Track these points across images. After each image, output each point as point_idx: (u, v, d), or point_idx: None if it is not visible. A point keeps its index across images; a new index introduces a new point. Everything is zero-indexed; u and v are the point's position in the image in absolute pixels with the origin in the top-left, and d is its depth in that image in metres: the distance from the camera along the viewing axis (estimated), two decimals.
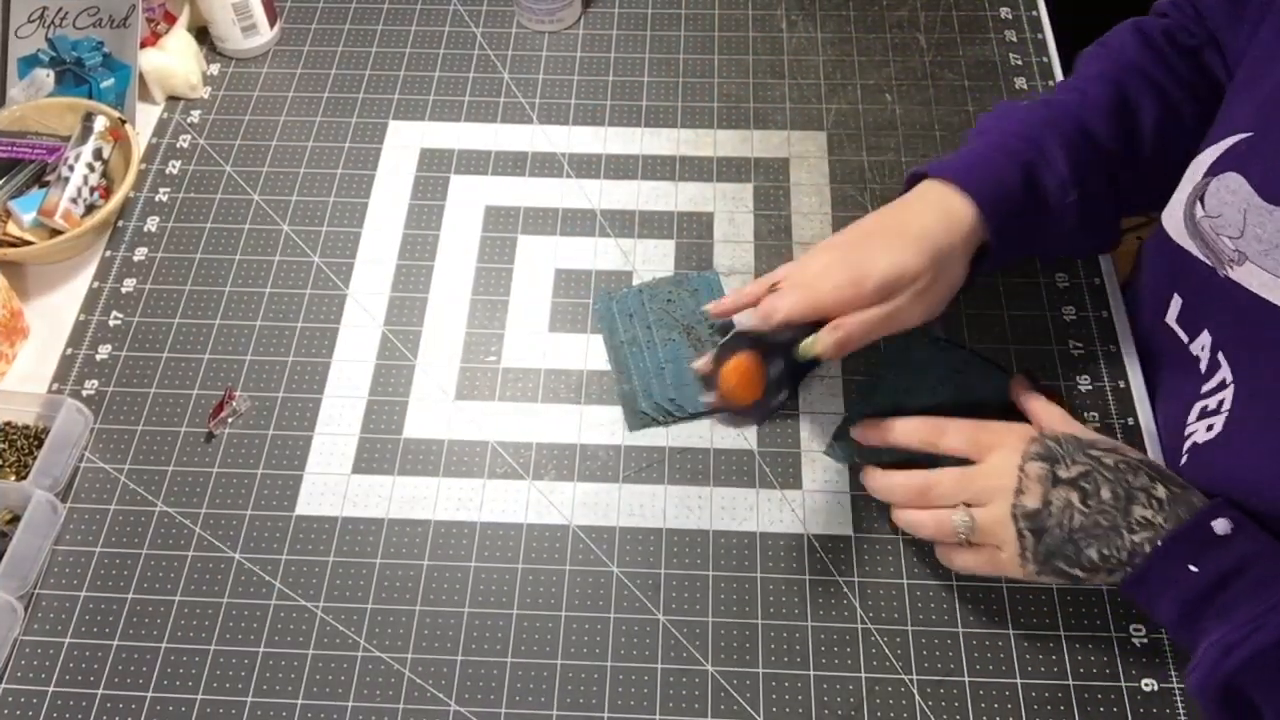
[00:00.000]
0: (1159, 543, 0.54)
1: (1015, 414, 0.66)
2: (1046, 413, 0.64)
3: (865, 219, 0.67)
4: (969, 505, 0.60)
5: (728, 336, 0.68)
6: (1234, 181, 0.56)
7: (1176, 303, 0.66)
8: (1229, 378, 0.60)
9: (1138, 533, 0.55)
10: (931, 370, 0.68)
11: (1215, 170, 0.58)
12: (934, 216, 0.64)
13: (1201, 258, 0.61)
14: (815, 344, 0.63)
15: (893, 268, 0.62)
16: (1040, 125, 0.67)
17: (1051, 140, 0.66)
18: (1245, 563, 0.53)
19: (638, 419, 0.72)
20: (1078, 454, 0.57)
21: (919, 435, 0.63)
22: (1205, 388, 0.63)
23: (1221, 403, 0.61)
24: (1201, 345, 0.63)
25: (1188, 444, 0.63)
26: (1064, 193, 0.66)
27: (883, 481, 0.65)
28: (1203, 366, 0.63)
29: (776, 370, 0.69)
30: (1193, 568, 0.53)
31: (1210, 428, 0.61)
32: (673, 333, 0.75)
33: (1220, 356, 0.61)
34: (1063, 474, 0.57)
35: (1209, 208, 0.58)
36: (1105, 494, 0.56)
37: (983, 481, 0.60)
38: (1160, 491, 0.55)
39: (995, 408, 0.66)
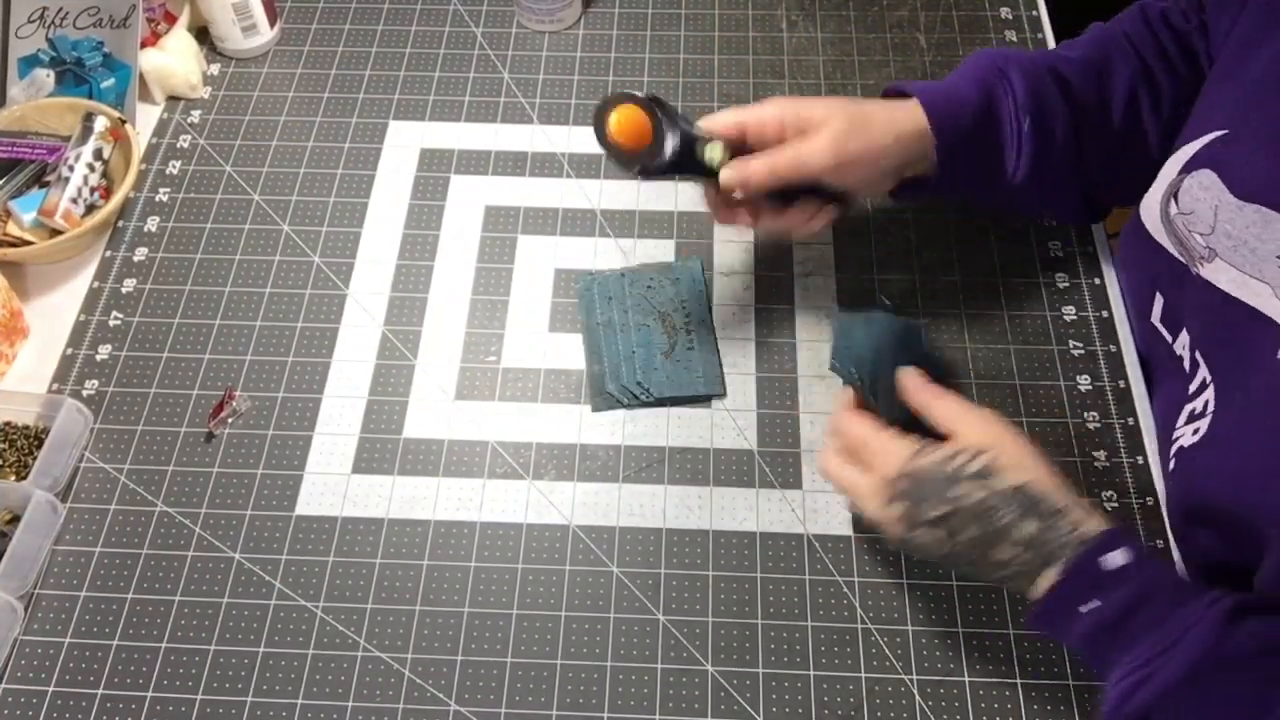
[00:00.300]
0: (1057, 578, 0.53)
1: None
2: (939, 406, 0.60)
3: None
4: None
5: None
6: (1207, 178, 0.56)
7: (1159, 302, 0.66)
8: (1208, 378, 0.60)
9: (1000, 570, 0.54)
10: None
11: (1190, 167, 0.58)
12: (880, 104, 0.66)
13: (1176, 255, 0.61)
14: (718, 156, 0.64)
15: (810, 107, 0.64)
16: (1011, 59, 0.68)
17: (1015, 70, 0.67)
18: (1142, 597, 0.51)
19: (603, 400, 0.73)
20: (943, 493, 0.55)
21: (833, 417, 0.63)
22: (1191, 388, 0.63)
23: (1206, 404, 0.61)
24: (1182, 345, 0.63)
25: (1174, 448, 0.62)
26: (1018, 119, 0.66)
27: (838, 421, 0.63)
28: (1186, 366, 0.63)
29: (670, 143, 0.65)
30: (1093, 604, 0.52)
31: (1196, 431, 0.61)
32: (648, 319, 0.75)
33: (1198, 356, 0.61)
34: (926, 514, 0.55)
35: (1182, 204, 0.58)
36: (972, 533, 0.54)
37: (860, 489, 0.59)
38: (1027, 529, 0.53)
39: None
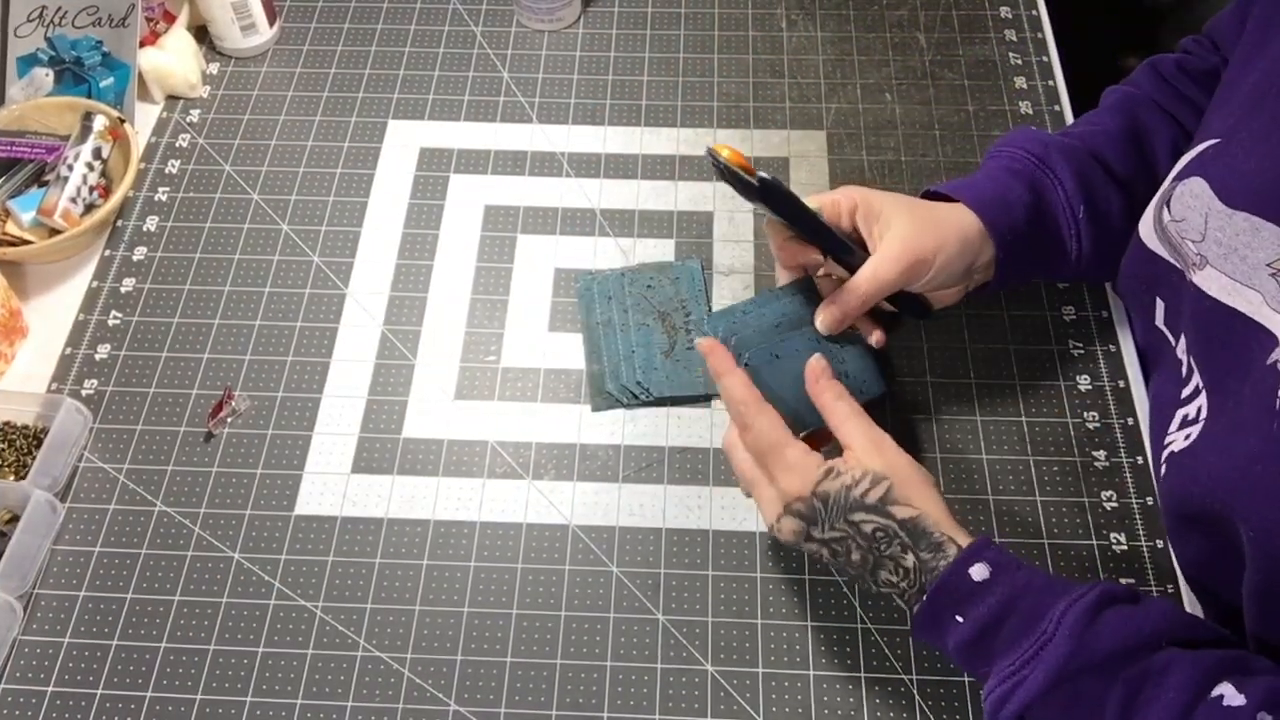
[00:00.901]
0: (924, 595, 0.54)
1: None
2: (846, 425, 0.59)
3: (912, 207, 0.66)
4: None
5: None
6: (1197, 186, 0.56)
7: (1160, 306, 0.66)
8: (1201, 384, 0.60)
9: (881, 587, 0.56)
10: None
11: (1182, 175, 0.58)
12: (938, 206, 0.66)
13: (1173, 261, 0.61)
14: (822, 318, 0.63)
15: (878, 200, 0.64)
16: (1049, 146, 0.68)
17: (1058, 159, 0.67)
18: (1005, 607, 0.52)
19: (603, 399, 0.73)
20: (838, 519, 0.56)
21: (733, 417, 0.61)
22: (1184, 393, 0.63)
23: (1200, 411, 0.61)
24: (1182, 349, 0.63)
25: (1165, 453, 0.62)
26: (1072, 209, 0.66)
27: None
28: (1184, 371, 0.63)
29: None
30: (959, 618, 0.53)
31: (1187, 437, 0.61)
32: (648, 318, 0.75)
33: (1192, 361, 0.62)
34: (816, 534, 0.56)
35: (1174, 212, 0.58)
36: (854, 557, 0.56)
37: (761, 494, 0.59)
38: (909, 561, 0.54)
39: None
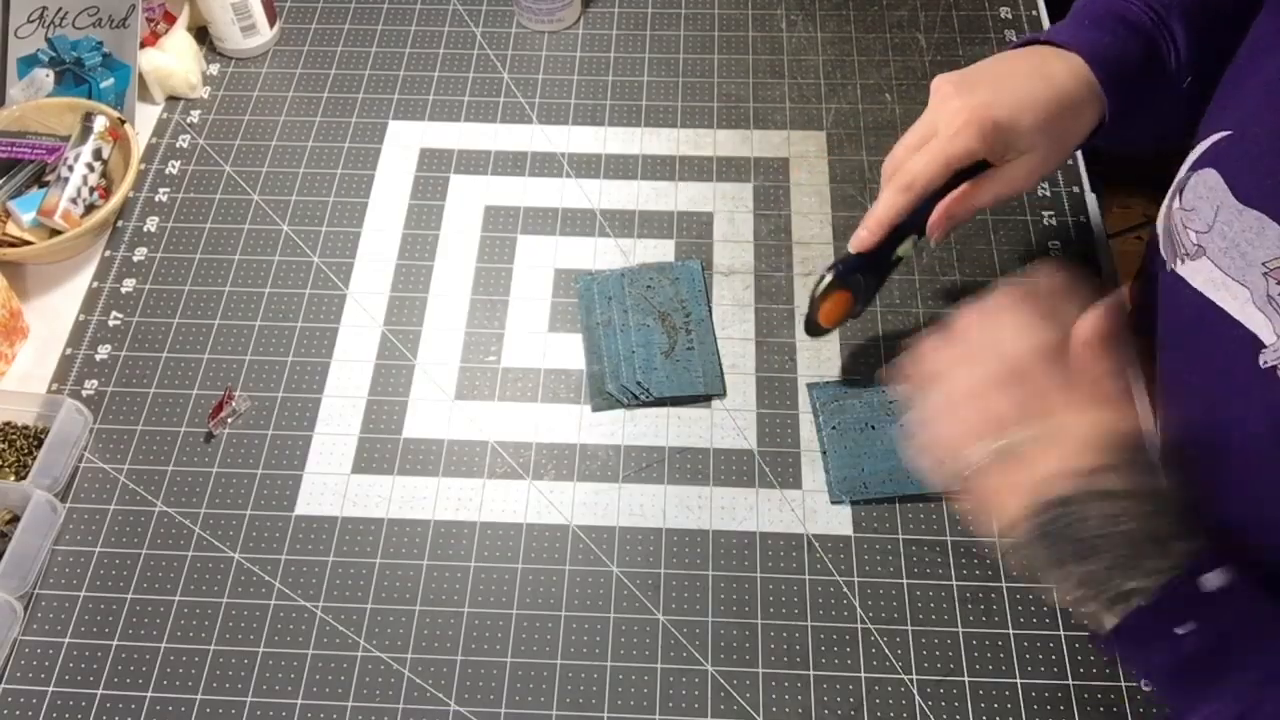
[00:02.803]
0: (1143, 601, 0.48)
1: None
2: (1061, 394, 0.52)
3: (984, 70, 0.62)
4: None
5: (829, 280, 0.65)
6: (1212, 178, 0.56)
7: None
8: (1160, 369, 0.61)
9: (1148, 584, 0.48)
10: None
11: (1197, 165, 0.58)
12: (1065, 87, 0.60)
13: (1161, 250, 0.61)
14: (914, 242, 0.63)
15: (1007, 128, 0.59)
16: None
17: (1175, 12, 0.62)
18: (1238, 622, 0.48)
19: (603, 400, 0.73)
20: (1075, 529, 0.49)
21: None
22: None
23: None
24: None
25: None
26: (1180, 77, 0.62)
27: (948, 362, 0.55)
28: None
29: (867, 290, 0.67)
30: (1183, 628, 0.47)
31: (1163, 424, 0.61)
32: (648, 318, 0.75)
33: (1160, 352, 0.62)
34: (1051, 546, 0.49)
35: (1185, 201, 0.58)
36: (1098, 564, 0.49)
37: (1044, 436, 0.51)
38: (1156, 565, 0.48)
39: None
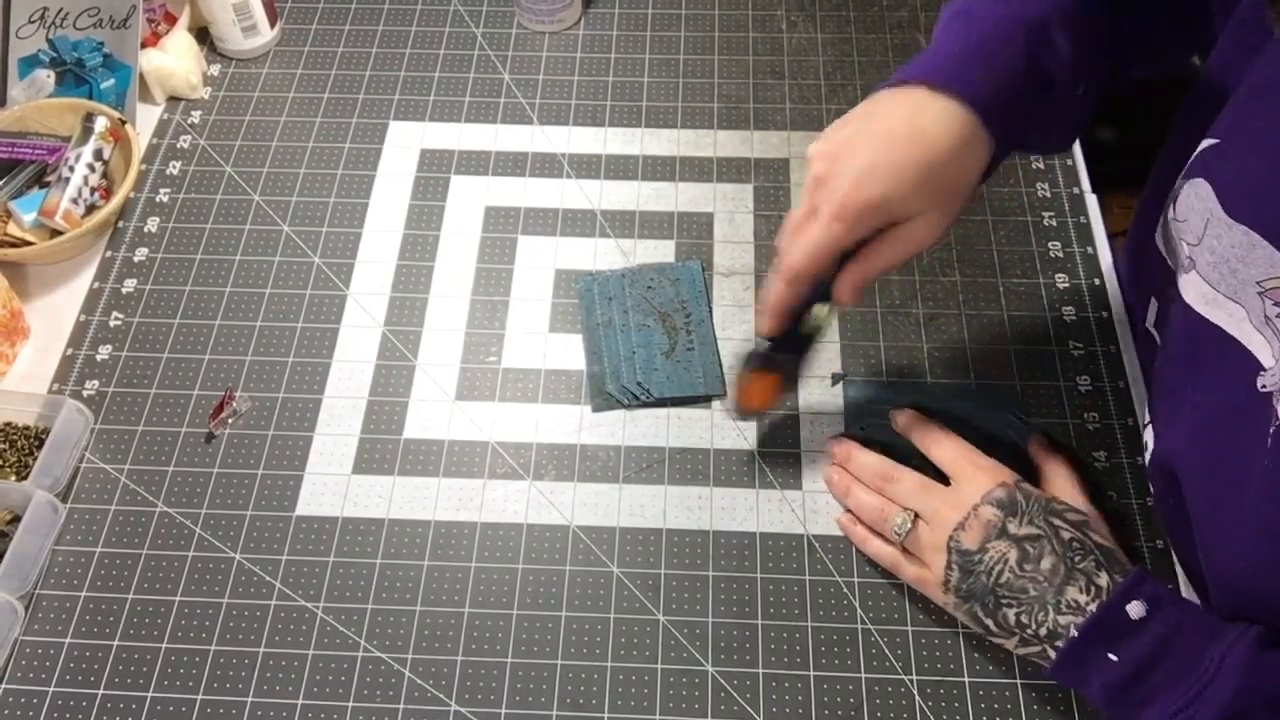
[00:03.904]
0: (1074, 631, 0.53)
1: (1026, 460, 0.66)
2: (1056, 472, 0.63)
3: (854, 135, 0.56)
4: (917, 516, 0.61)
5: (745, 370, 0.68)
6: (1202, 189, 0.55)
7: (1153, 306, 0.66)
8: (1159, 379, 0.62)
9: (1064, 615, 0.54)
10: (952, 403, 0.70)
11: (1189, 174, 0.57)
12: (939, 144, 0.55)
13: (1167, 259, 0.60)
14: (824, 318, 0.63)
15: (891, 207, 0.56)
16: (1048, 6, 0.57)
17: (1051, 15, 0.56)
18: (1161, 646, 0.51)
19: (603, 400, 0.73)
20: (1038, 516, 0.57)
21: (918, 432, 0.65)
22: (1153, 390, 0.63)
23: (1154, 406, 0.62)
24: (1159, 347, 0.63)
25: (1147, 455, 0.63)
26: (1074, 83, 0.57)
27: (856, 454, 0.66)
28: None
29: (789, 368, 0.69)
30: (1111, 656, 0.52)
31: (1149, 442, 0.62)
32: (648, 319, 0.75)
33: (1161, 358, 0.62)
34: (1012, 529, 0.57)
35: (1179, 211, 0.57)
36: (1045, 564, 0.55)
37: (938, 501, 0.60)
38: (1102, 580, 0.54)
39: (1007, 447, 0.67)
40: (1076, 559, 0.55)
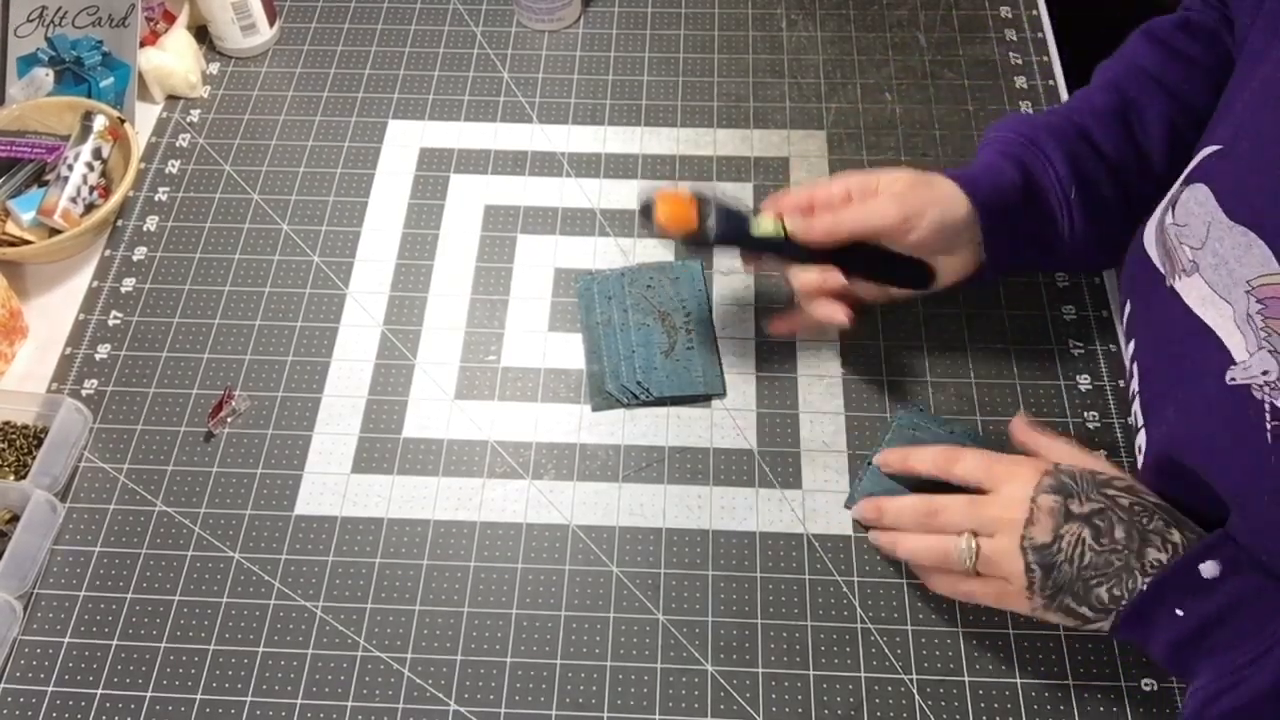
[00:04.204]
0: (1143, 586, 0.53)
1: None
2: (1055, 447, 0.62)
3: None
4: (976, 535, 0.59)
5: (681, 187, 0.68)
6: (1202, 193, 0.56)
7: (1127, 310, 0.66)
8: (1136, 390, 0.62)
9: (1150, 575, 0.53)
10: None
11: (1189, 180, 0.58)
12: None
13: (1158, 265, 0.60)
14: (769, 228, 0.66)
15: (875, 173, 0.67)
16: (1038, 127, 0.68)
17: (1046, 139, 0.67)
18: (1232, 607, 0.51)
19: (603, 400, 0.73)
20: (1092, 490, 0.56)
21: (934, 461, 0.63)
22: (1130, 394, 0.64)
23: (1136, 414, 0.62)
24: (1129, 355, 0.64)
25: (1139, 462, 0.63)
26: (1063, 190, 0.66)
27: (890, 506, 0.63)
28: (1127, 376, 0.65)
29: (712, 221, 0.67)
30: (1179, 611, 0.52)
31: (1140, 449, 0.62)
32: (648, 318, 0.75)
33: (1135, 368, 0.62)
34: (1075, 509, 0.55)
35: (1178, 216, 0.58)
36: (1119, 533, 0.54)
37: (993, 511, 0.58)
38: (1175, 536, 0.54)
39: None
40: (1144, 520, 0.54)
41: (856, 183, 0.66)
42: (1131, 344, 0.64)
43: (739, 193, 0.83)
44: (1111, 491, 0.56)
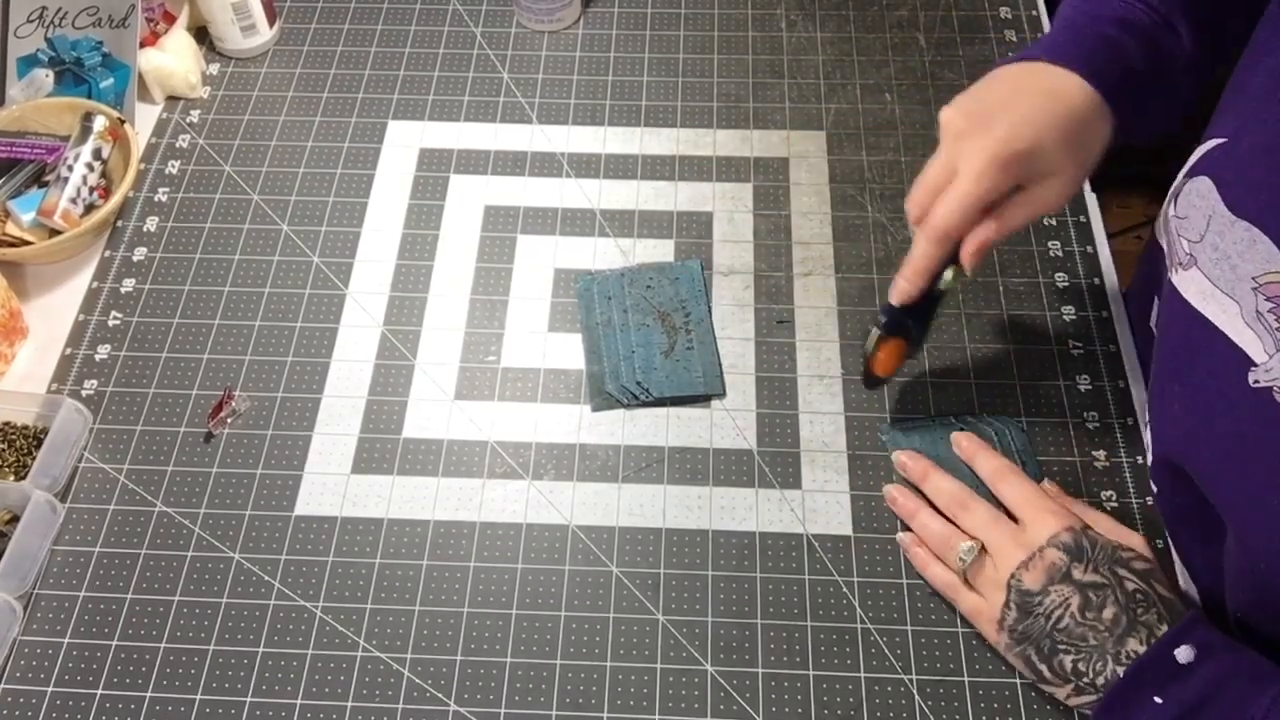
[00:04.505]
0: (1121, 672, 0.53)
1: None
2: (1089, 516, 0.62)
3: (991, 96, 0.59)
4: (983, 548, 0.60)
5: (877, 333, 0.65)
6: (1204, 185, 0.55)
7: (1156, 306, 0.65)
8: (1151, 379, 0.61)
9: (1122, 665, 0.54)
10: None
11: (1192, 172, 0.57)
12: (1076, 102, 0.58)
13: (1167, 254, 0.60)
14: (955, 273, 0.61)
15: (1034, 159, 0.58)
16: None
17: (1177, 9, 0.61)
18: (1210, 692, 0.51)
19: (603, 400, 0.73)
20: (1104, 564, 0.56)
21: (992, 469, 0.64)
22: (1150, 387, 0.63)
23: (1146, 406, 0.61)
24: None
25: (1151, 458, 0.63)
26: (1150, 8, 0.61)
27: (937, 479, 0.65)
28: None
29: (916, 332, 0.66)
30: (1158, 699, 0.52)
31: (1148, 445, 0.62)
32: (648, 318, 0.75)
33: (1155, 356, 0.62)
34: (1076, 574, 0.56)
35: (1179, 208, 0.57)
36: (1107, 613, 0.55)
37: (1006, 537, 0.60)
38: (1162, 632, 0.54)
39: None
40: (1139, 610, 0.55)
41: (1021, 172, 0.58)
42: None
43: (739, 193, 0.83)
44: (1123, 571, 0.56)
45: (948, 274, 0.61)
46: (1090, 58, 0.58)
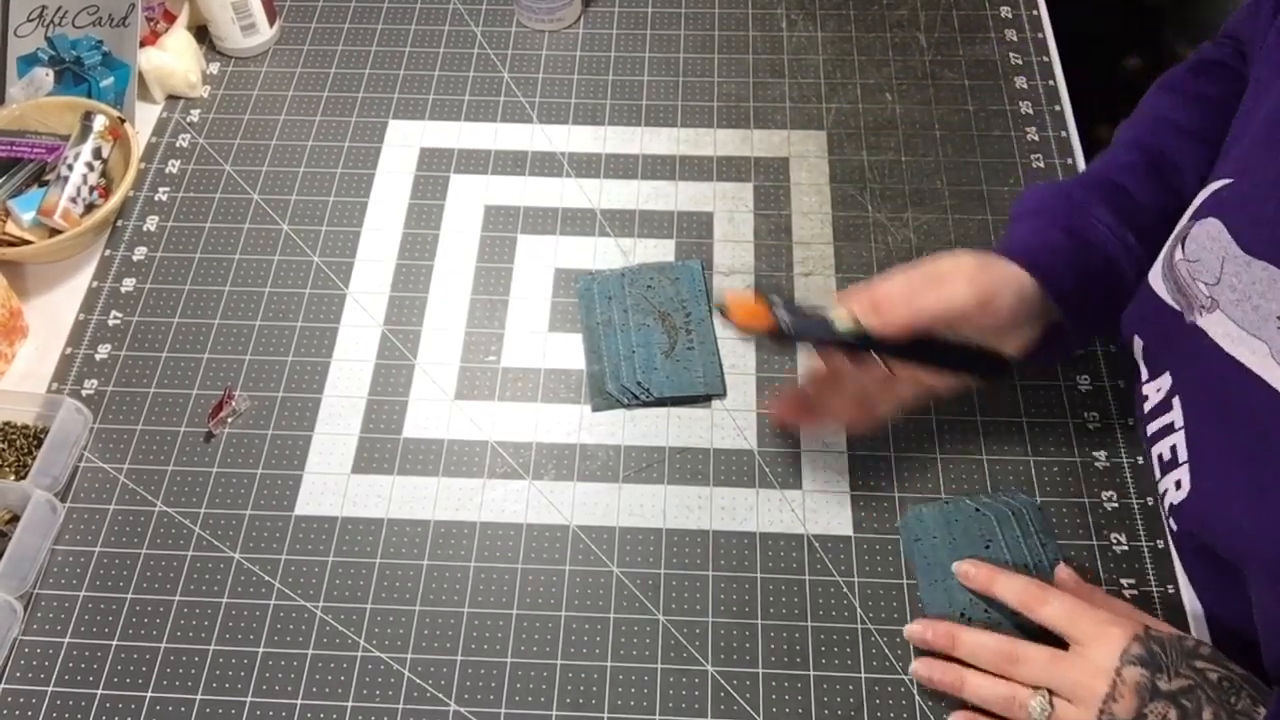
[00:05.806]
0: None
1: None
2: (1113, 604, 0.60)
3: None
4: (1052, 693, 0.56)
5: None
6: (1214, 228, 0.55)
7: (1138, 343, 0.64)
8: (1178, 422, 0.59)
9: None
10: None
11: (1199, 214, 0.56)
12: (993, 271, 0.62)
13: (1171, 303, 0.58)
14: (847, 321, 0.60)
15: (935, 259, 0.61)
16: (1072, 187, 0.65)
17: (1085, 197, 0.64)
18: None
19: (603, 400, 0.73)
20: (1181, 664, 0.53)
21: (1019, 594, 0.59)
22: (1151, 428, 0.62)
23: (1176, 451, 0.59)
24: (1159, 388, 0.62)
25: (1165, 505, 0.62)
26: (1118, 237, 0.63)
27: (968, 639, 0.59)
28: (1148, 405, 0.62)
29: (783, 318, 0.62)
30: None
31: (1179, 485, 0.60)
32: (648, 318, 0.75)
33: (1176, 401, 0.60)
34: (1163, 685, 0.52)
35: (1189, 252, 0.56)
36: (1206, 715, 0.51)
37: (1075, 674, 0.55)
38: (1261, 715, 0.51)
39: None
40: (1232, 699, 0.52)
41: (917, 275, 0.61)
42: (1165, 378, 0.61)
43: (739, 193, 0.83)
44: (1201, 664, 0.53)
45: (848, 320, 0.60)
46: (1051, 271, 0.62)
